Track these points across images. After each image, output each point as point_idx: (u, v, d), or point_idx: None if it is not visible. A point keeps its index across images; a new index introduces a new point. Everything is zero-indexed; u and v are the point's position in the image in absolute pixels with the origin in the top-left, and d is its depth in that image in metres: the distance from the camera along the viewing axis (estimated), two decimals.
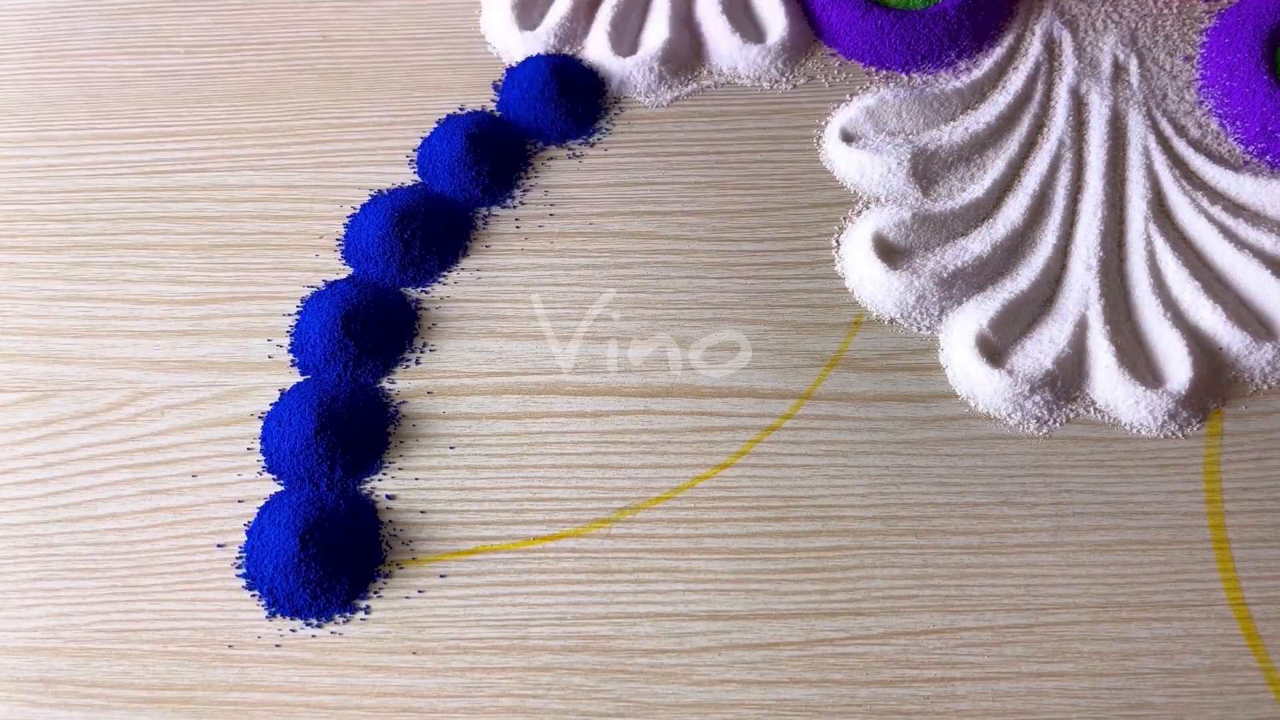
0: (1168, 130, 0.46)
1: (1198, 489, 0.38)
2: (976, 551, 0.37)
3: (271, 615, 0.37)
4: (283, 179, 0.47)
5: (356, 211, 0.46)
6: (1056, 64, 0.48)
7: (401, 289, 0.44)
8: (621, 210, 0.46)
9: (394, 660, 0.36)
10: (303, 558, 0.37)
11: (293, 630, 0.37)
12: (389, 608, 0.37)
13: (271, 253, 0.45)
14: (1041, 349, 0.40)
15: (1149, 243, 0.43)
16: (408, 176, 0.47)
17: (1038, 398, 0.39)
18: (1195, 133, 0.46)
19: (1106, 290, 0.41)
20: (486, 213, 0.46)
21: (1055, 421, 0.40)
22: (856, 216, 0.44)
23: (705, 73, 0.49)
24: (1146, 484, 0.38)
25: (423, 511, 0.39)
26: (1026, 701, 0.35)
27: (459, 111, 0.49)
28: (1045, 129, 0.46)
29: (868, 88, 0.48)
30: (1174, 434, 0.39)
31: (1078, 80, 0.47)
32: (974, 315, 0.41)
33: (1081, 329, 0.41)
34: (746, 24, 0.50)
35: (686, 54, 0.49)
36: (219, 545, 0.39)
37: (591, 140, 0.48)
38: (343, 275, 0.44)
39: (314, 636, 0.37)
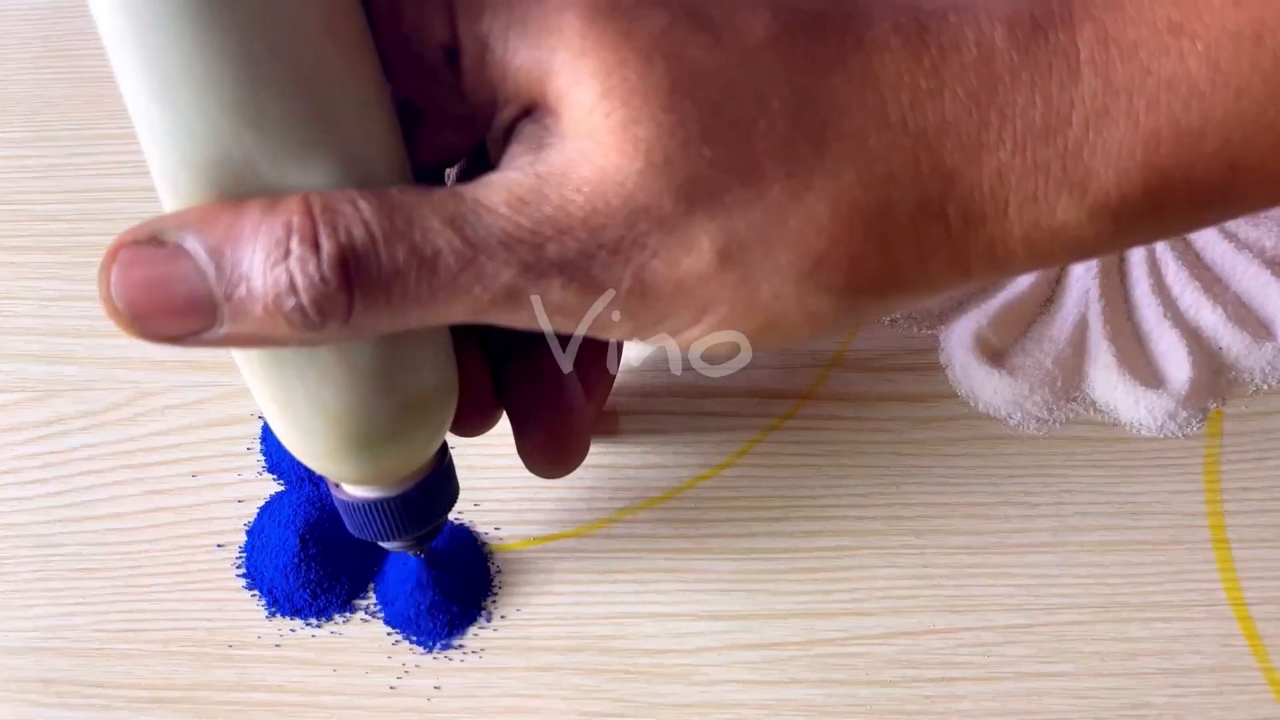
0: None
1: (1198, 489, 0.38)
2: (977, 551, 0.37)
3: (271, 615, 0.37)
4: None
5: None
6: None
7: None
8: None
9: (394, 660, 0.36)
10: (303, 558, 0.37)
11: (293, 630, 0.37)
12: None
13: None
14: (1041, 349, 0.40)
15: None
16: None
17: (1038, 398, 0.39)
18: None
19: (1106, 290, 0.41)
20: None
21: (1055, 421, 0.40)
22: None
23: None
24: (1146, 484, 0.38)
25: None
26: (1028, 701, 0.35)
27: None
28: None
29: None
30: (1174, 434, 0.39)
31: None
32: (974, 315, 0.41)
33: (1081, 329, 0.41)
34: None
35: None
36: (219, 545, 0.39)
37: None
38: None
39: (314, 636, 0.37)
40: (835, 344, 0.42)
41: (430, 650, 0.36)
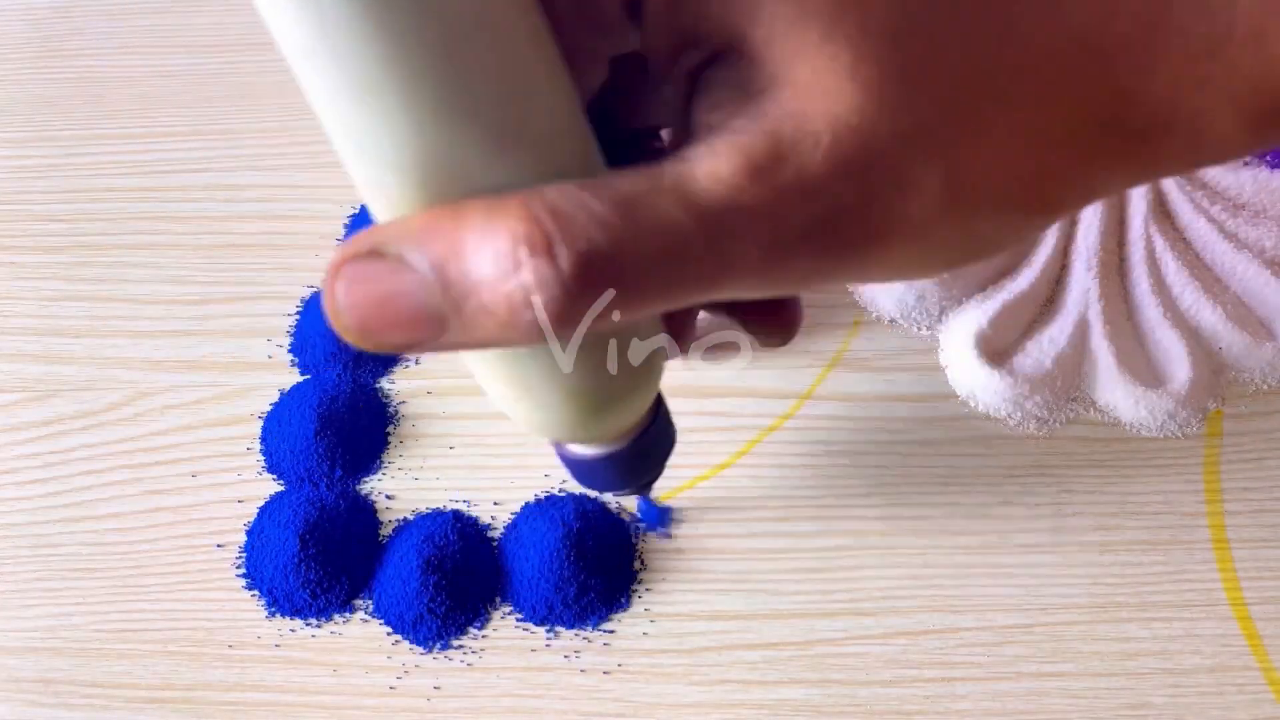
0: None
1: (1198, 489, 0.38)
2: (977, 551, 0.37)
3: (271, 615, 0.37)
4: (284, 179, 0.47)
5: (357, 211, 0.46)
6: None
7: None
8: None
9: (394, 660, 0.36)
10: (303, 558, 0.37)
11: (292, 630, 0.37)
12: None
13: (272, 253, 0.45)
14: (1041, 349, 0.40)
15: (1149, 242, 0.43)
16: None
17: (1038, 398, 0.39)
18: None
19: (1106, 290, 0.41)
20: None
21: (1055, 421, 0.40)
22: None
23: None
24: (1146, 484, 0.38)
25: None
26: (1027, 701, 0.35)
27: None
28: None
29: None
30: (1174, 434, 0.39)
31: None
32: (974, 315, 0.41)
33: (1081, 329, 0.41)
34: None
35: None
36: (219, 545, 0.39)
37: None
38: None
39: (314, 636, 0.37)
40: (835, 344, 0.42)
41: (429, 650, 0.36)
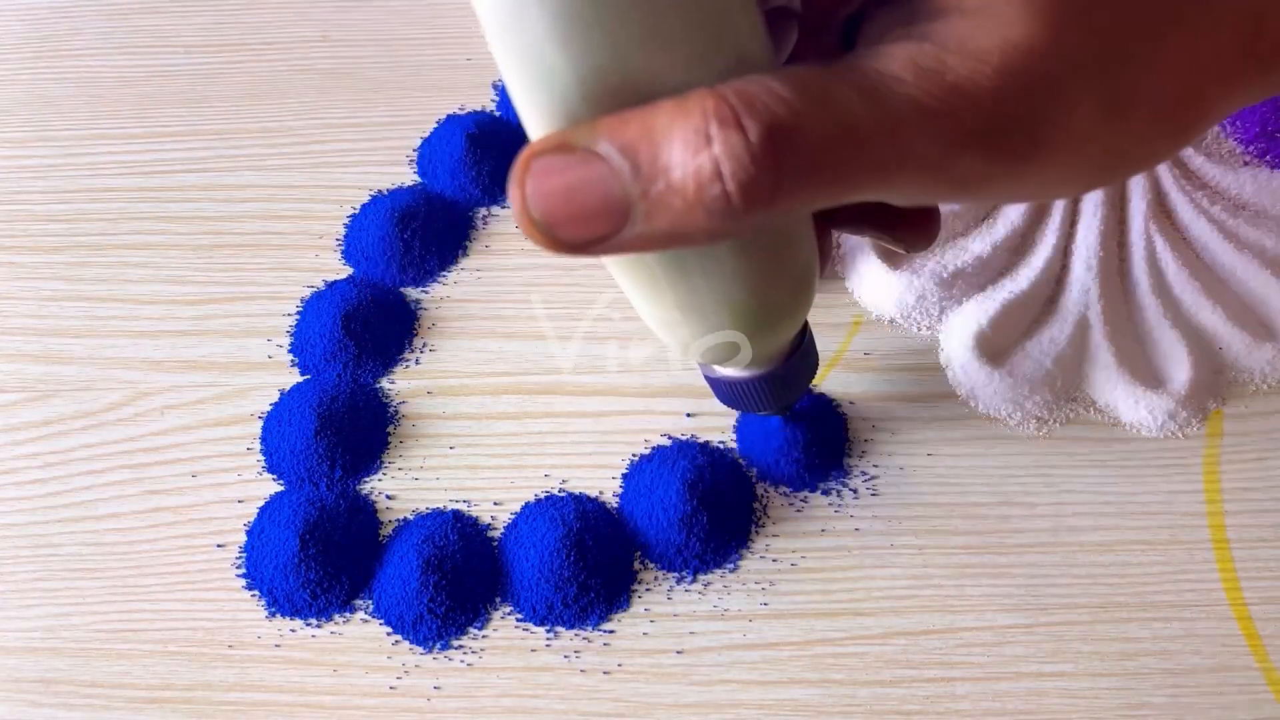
0: None
1: (1198, 489, 0.38)
2: (977, 551, 0.37)
3: (271, 615, 0.37)
4: (283, 179, 0.47)
5: (356, 211, 0.46)
6: None
7: (401, 289, 0.44)
8: None
9: (394, 660, 0.36)
10: (303, 558, 0.37)
11: (293, 630, 0.37)
12: None
13: (271, 253, 0.45)
14: (1041, 349, 0.40)
15: (1149, 242, 0.43)
16: (408, 176, 0.47)
17: (1038, 398, 0.39)
18: None
19: (1106, 290, 0.41)
20: (486, 213, 0.46)
21: (1055, 421, 0.40)
22: None
23: None
24: (1146, 484, 0.38)
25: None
26: (1027, 701, 0.35)
27: (459, 111, 0.49)
28: None
29: None
30: (1174, 434, 0.39)
31: None
32: (974, 315, 0.41)
33: (1081, 329, 0.41)
34: None
35: None
36: (219, 545, 0.39)
37: None
38: (343, 275, 0.44)
39: (314, 636, 0.37)
40: (835, 344, 0.42)
41: (429, 650, 0.36)
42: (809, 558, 0.38)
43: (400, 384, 0.42)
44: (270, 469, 0.40)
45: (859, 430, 0.40)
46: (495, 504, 0.39)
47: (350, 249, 0.45)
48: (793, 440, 0.38)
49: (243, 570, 0.38)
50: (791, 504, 0.38)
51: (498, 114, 0.48)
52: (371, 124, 0.48)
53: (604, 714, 0.35)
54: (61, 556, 0.39)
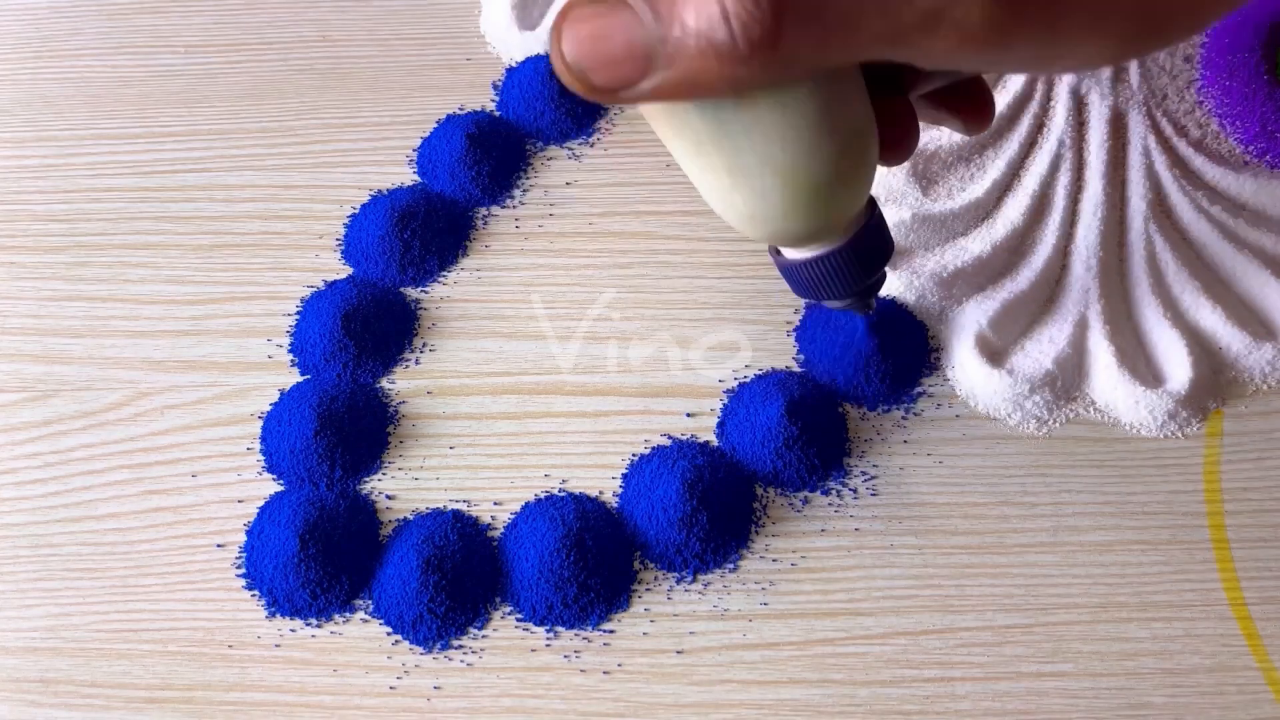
0: (1168, 130, 0.46)
1: (1198, 489, 0.38)
2: (976, 551, 0.37)
3: (271, 615, 0.37)
4: (283, 179, 0.47)
5: (356, 211, 0.46)
6: None
7: (401, 289, 0.44)
8: (621, 210, 0.46)
9: (394, 660, 0.36)
10: (303, 558, 0.37)
11: (293, 630, 0.37)
12: None
13: (271, 253, 0.45)
14: (1041, 349, 0.40)
15: (1149, 243, 0.43)
16: (408, 176, 0.47)
17: (1038, 398, 0.39)
18: (1195, 133, 0.46)
19: (1106, 290, 0.41)
20: (486, 212, 0.46)
21: (1055, 421, 0.40)
22: None
23: None
24: (1146, 484, 0.38)
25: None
26: (1026, 701, 0.35)
27: (459, 111, 0.49)
28: (1045, 129, 0.46)
29: None
30: (1174, 434, 0.39)
31: (1077, 80, 0.47)
32: (974, 315, 0.41)
33: (1081, 329, 0.41)
34: None
35: None
36: (219, 545, 0.39)
37: (591, 140, 0.48)
38: (343, 275, 0.44)
39: (314, 636, 0.37)
40: None
41: (429, 650, 0.36)
42: (809, 558, 0.38)
43: (400, 384, 0.42)
44: (270, 469, 0.40)
45: (859, 430, 0.40)
46: (495, 504, 0.39)
47: (350, 249, 0.45)
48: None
49: (243, 570, 0.38)
50: (791, 504, 0.38)
51: (498, 114, 0.48)
52: (371, 124, 0.48)
53: (604, 714, 0.35)
54: (61, 556, 0.39)
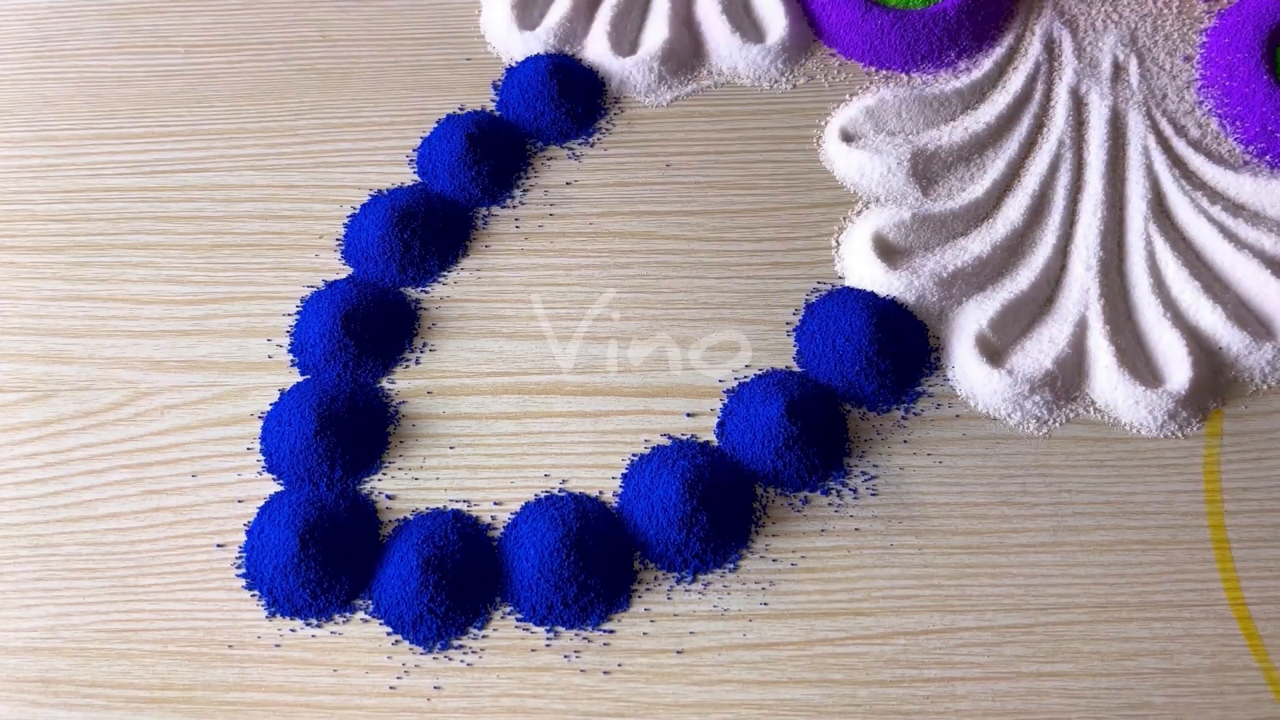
0: (1168, 130, 0.46)
1: (1198, 489, 0.38)
2: (976, 551, 0.37)
3: (271, 615, 0.37)
4: (283, 179, 0.47)
5: (356, 211, 0.46)
6: (1056, 64, 0.48)
7: (401, 289, 0.44)
8: (621, 210, 0.46)
9: (394, 660, 0.36)
10: (303, 558, 0.37)
11: (293, 630, 0.37)
12: None
13: (271, 253, 0.45)
14: (1041, 349, 0.40)
15: (1149, 243, 0.43)
16: (408, 176, 0.47)
17: (1038, 398, 0.39)
18: (1195, 133, 0.46)
19: (1106, 290, 0.41)
20: (486, 212, 0.46)
21: (1055, 421, 0.40)
22: (856, 216, 0.45)
23: (705, 73, 0.49)
24: (1146, 484, 0.38)
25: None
26: (1026, 701, 0.35)
27: (459, 111, 0.49)
28: (1045, 129, 0.46)
29: (867, 88, 0.48)
30: (1174, 434, 0.39)
31: (1078, 80, 0.47)
32: (974, 315, 0.41)
33: (1081, 329, 0.41)
34: (746, 24, 0.50)
35: (686, 54, 0.49)
36: (219, 545, 0.39)
37: (591, 140, 0.48)
38: (343, 275, 0.44)
39: (314, 636, 0.37)
40: None
41: (429, 650, 0.36)
42: (809, 558, 0.38)
43: (400, 384, 0.42)
44: (270, 469, 0.40)
45: (859, 430, 0.40)
46: (495, 504, 0.39)
47: (350, 249, 0.45)
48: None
49: (243, 570, 0.38)
50: (791, 504, 0.38)
51: (497, 114, 0.48)
52: (371, 124, 0.48)
53: (604, 714, 0.35)
54: (61, 556, 0.39)
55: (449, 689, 0.36)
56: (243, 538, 0.39)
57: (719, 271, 0.44)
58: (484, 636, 0.37)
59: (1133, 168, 0.44)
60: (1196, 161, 0.45)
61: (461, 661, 0.36)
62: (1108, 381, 0.40)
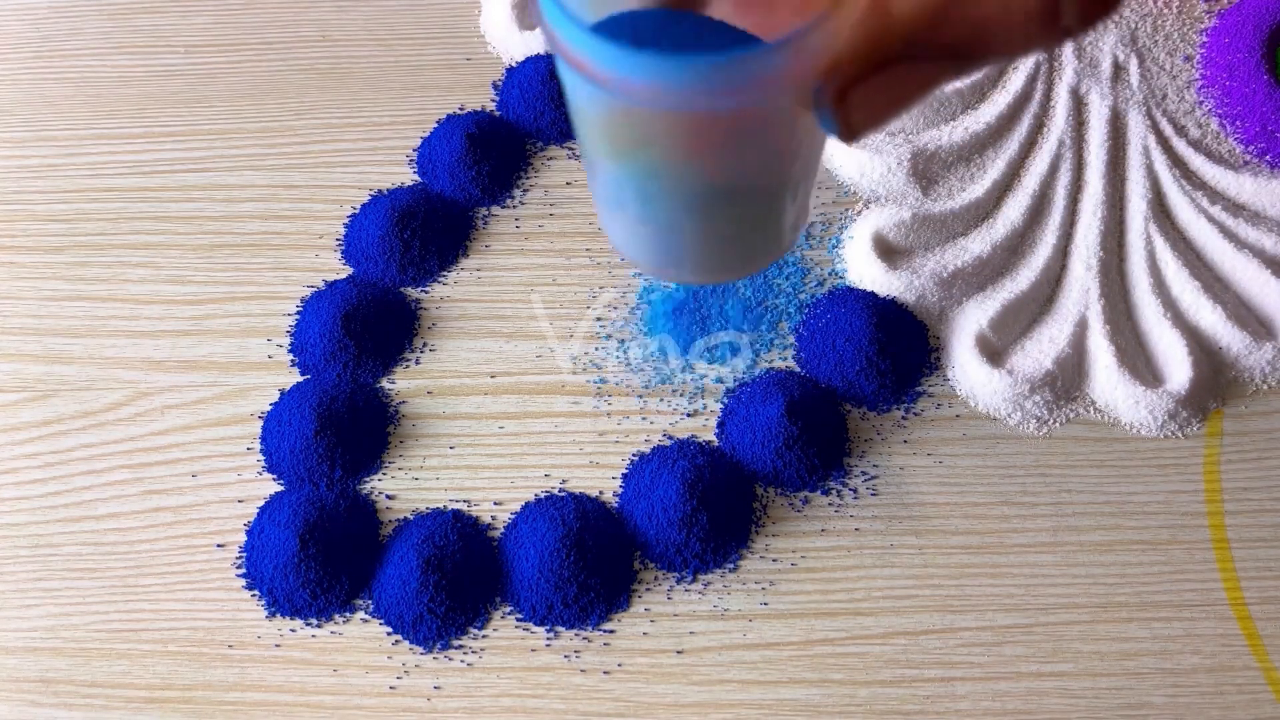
0: (1168, 130, 0.46)
1: (1198, 489, 0.38)
2: (976, 551, 0.37)
3: (271, 615, 0.37)
4: (283, 179, 0.47)
5: (356, 211, 0.46)
6: (1056, 64, 0.48)
7: (401, 289, 0.44)
8: None
9: (394, 660, 0.36)
10: (303, 558, 0.37)
11: (293, 630, 0.37)
12: None
13: (271, 253, 0.45)
14: (1041, 349, 0.40)
15: (1149, 243, 0.43)
16: (408, 176, 0.47)
17: (1038, 398, 0.39)
18: (1195, 133, 0.46)
19: (1106, 290, 0.41)
20: (486, 212, 0.46)
21: (1055, 421, 0.40)
22: (856, 216, 0.44)
23: None
24: (1146, 484, 0.38)
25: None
26: (1026, 701, 0.35)
27: (459, 111, 0.49)
28: (1045, 129, 0.46)
29: None
30: (1174, 434, 0.39)
31: (1078, 80, 0.47)
32: (974, 315, 0.41)
33: (1081, 329, 0.41)
34: None
35: None
36: (219, 545, 0.39)
37: None
38: (343, 275, 0.44)
39: (314, 636, 0.37)
40: None
41: (429, 650, 0.36)
42: (809, 558, 0.38)
43: (400, 384, 0.42)
44: (270, 469, 0.40)
45: (859, 430, 0.40)
46: (495, 504, 0.39)
47: (350, 249, 0.45)
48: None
49: (243, 570, 0.38)
50: (791, 504, 0.38)
51: (497, 114, 0.48)
52: (371, 124, 0.48)
53: (604, 714, 0.35)
54: (61, 556, 0.39)
55: (449, 689, 0.36)
56: (243, 538, 0.39)
57: None
58: (484, 636, 0.37)
59: (1133, 168, 0.44)
60: (1196, 161, 0.45)
61: (461, 661, 0.36)
62: (1108, 381, 0.40)
